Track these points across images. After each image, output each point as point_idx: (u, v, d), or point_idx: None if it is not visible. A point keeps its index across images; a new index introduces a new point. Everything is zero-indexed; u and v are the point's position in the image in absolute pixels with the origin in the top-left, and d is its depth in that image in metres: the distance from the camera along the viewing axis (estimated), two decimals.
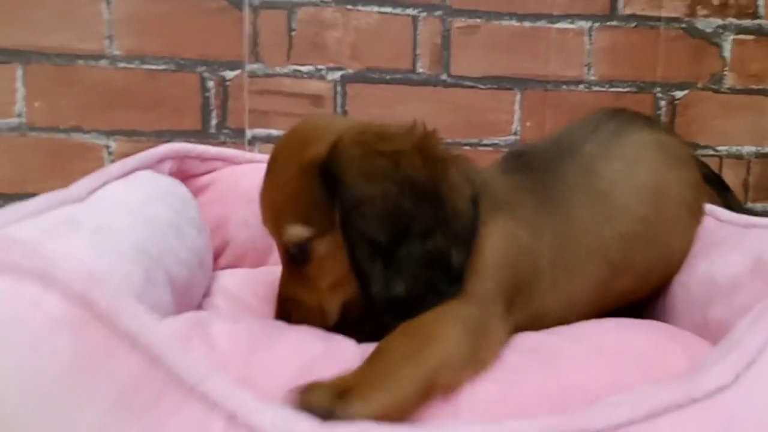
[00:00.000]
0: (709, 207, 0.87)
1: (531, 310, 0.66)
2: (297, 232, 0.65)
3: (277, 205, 0.67)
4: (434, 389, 0.51)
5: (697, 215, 0.83)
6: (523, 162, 0.77)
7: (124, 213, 0.70)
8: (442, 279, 0.60)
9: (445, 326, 0.56)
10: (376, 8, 1.29)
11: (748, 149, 1.41)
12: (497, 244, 0.64)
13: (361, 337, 0.64)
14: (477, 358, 0.55)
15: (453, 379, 0.53)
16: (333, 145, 0.63)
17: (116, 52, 1.25)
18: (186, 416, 0.41)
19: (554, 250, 0.68)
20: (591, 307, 0.72)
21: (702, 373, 0.48)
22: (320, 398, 0.46)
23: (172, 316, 0.61)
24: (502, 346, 0.60)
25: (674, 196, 0.78)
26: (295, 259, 0.67)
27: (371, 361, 0.53)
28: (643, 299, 0.82)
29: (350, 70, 1.31)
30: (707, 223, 0.84)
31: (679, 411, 0.46)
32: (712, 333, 0.66)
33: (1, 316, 0.38)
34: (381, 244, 0.60)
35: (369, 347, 0.67)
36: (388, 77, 1.32)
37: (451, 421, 0.51)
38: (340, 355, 0.59)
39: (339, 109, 1.31)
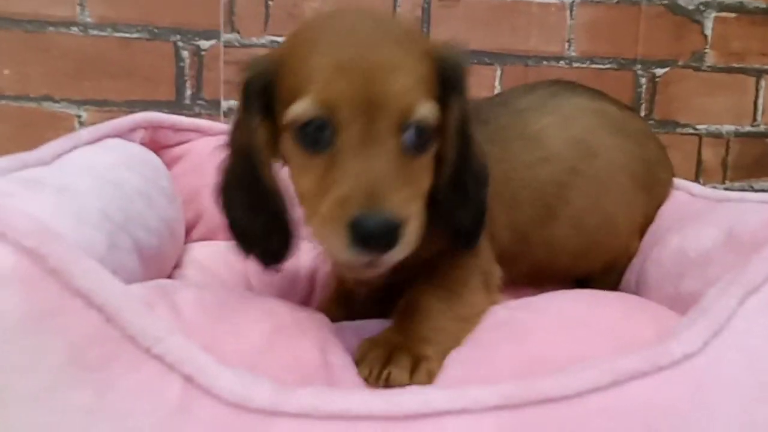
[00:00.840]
0: (681, 182, 0.89)
1: (499, 246, 0.71)
2: (432, 111, 0.56)
3: (409, 75, 0.55)
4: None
5: (647, 188, 0.85)
6: None
7: (89, 177, 0.69)
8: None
9: (468, 283, 0.65)
10: None
11: (727, 128, 1.42)
12: None
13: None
14: (492, 299, 0.66)
15: (480, 318, 0.63)
16: (455, 47, 0.60)
17: (88, 19, 1.22)
18: (142, 376, 0.40)
19: (498, 181, 0.70)
20: (546, 257, 0.77)
21: (669, 341, 0.48)
22: (400, 376, 0.52)
23: (140, 283, 0.60)
24: (500, 279, 0.69)
25: (613, 160, 0.81)
26: (411, 145, 0.55)
27: (412, 315, 0.61)
28: (596, 270, 0.85)
29: None
30: (680, 197, 0.86)
31: (645, 378, 0.45)
32: (684, 305, 0.66)
33: None
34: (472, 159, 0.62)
35: (340, 324, 0.67)
36: None
37: None
38: (307, 325, 0.58)
39: None
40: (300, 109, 0.54)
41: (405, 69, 0.54)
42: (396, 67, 0.54)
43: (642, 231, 0.85)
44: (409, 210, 0.52)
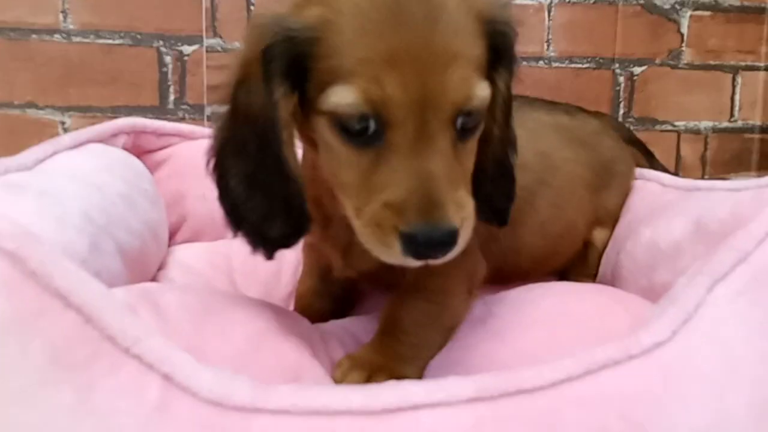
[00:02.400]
0: (652, 173, 0.91)
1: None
2: (486, 93, 0.51)
3: (466, 63, 0.49)
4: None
5: (604, 186, 0.88)
6: None
7: (71, 181, 0.69)
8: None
9: (454, 292, 0.63)
10: None
11: (705, 124, 1.44)
12: None
13: None
14: (473, 295, 0.65)
15: (462, 321, 0.63)
16: (505, 5, 0.55)
17: (71, 26, 1.22)
18: (121, 377, 0.41)
19: None
20: (512, 259, 0.77)
21: (639, 331, 0.49)
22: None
23: (123, 286, 0.60)
24: (483, 275, 0.68)
25: (572, 171, 0.83)
26: (463, 131, 0.51)
27: (393, 332, 0.60)
28: (563, 263, 0.87)
29: None
30: (651, 188, 0.87)
31: (617, 367, 0.46)
32: (657, 296, 0.67)
33: None
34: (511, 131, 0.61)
35: (324, 326, 0.67)
36: None
37: None
38: (292, 329, 0.59)
39: None
40: (343, 101, 0.48)
41: (461, 56, 0.49)
42: (452, 55, 0.48)
43: (601, 221, 0.88)
44: (466, 210, 0.49)
